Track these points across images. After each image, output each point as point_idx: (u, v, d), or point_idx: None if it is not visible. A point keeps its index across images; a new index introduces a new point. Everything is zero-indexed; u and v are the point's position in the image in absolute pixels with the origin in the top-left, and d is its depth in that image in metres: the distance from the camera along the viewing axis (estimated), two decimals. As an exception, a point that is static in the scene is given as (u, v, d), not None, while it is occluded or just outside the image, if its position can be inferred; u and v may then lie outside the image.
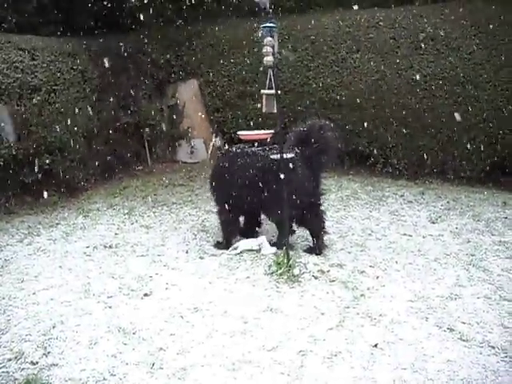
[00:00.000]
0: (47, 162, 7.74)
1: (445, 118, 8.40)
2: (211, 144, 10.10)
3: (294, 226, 5.89)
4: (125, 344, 4.01)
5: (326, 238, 5.88)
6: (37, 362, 3.77)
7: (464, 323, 4.21)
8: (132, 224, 7.03)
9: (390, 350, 3.83)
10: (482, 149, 8.23)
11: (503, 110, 8.11)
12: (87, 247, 6.18)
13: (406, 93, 8.63)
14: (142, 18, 9.50)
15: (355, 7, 8.76)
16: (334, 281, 4.99)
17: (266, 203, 5.66)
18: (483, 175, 8.36)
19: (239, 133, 6.55)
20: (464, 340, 3.95)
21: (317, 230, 5.77)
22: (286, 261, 5.12)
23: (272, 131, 6.29)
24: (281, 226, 5.59)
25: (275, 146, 5.80)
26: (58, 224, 7.05)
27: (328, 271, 5.17)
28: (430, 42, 8.56)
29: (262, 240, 5.86)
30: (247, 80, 9.74)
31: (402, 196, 7.96)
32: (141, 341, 4.05)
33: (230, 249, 5.84)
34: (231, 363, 3.71)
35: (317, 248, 5.72)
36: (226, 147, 7.48)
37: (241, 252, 5.74)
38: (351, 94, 8.99)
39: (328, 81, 9.18)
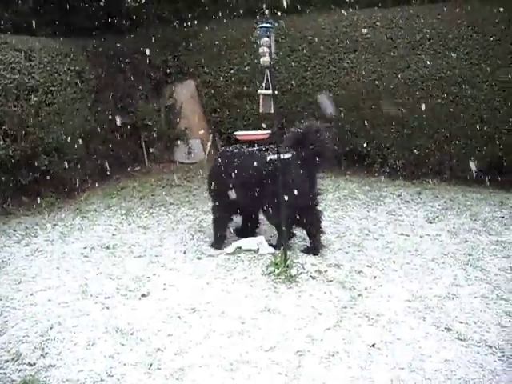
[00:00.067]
0: (44, 162, 7.74)
1: (442, 117, 8.42)
2: (208, 144, 10.13)
3: (294, 229, 5.89)
4: (122, 345, 4.01)
5: (323, 238, 5.87)
6: (34, 364, 3.77)
7: (461, 323, 4.21)
8: (129, 225, 7.03)
9: (388, 350, 3.84)
10: (479, 148, 8.25)
11: (500, 110, 8.12)
12: (85, 248, 6.18)
13: (403, 93, 8.63)
14: (138, 18, 9.51)
15: (353, 7, 8.79)
16: (331, 281, 4.99)
17: (263, 204, 5.68)
18: (480, 175, 8.36)
19: (236, 133, 6.57)
20: (461, 339, 3.95)
21: (313, 230, 5.77)
22: (283, 261, 5.11)
23: (269, 132, 6.29)
24: (279, 228, 5.59)
25: (271, 146, 5.81)
26: (55, 225, 7.05)
27: (325, 271, 5.17)
28: (427, 42, 8.57)
29: (261, 240, 5.87)
30: (244, 80, 9.75)
31: (399, 196, 7.97)
32: (138, 341, 4.05)
33: (229, 248, 5.83)
34: (229, 363, 3.71)
35: (314, 248, 5.72)
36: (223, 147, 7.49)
37: (238, 252, 5.74)
38: (348, 94, 9.01)
39: (325, 81, 9.19)
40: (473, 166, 8.06)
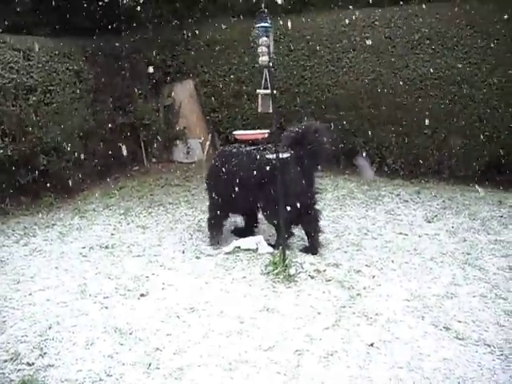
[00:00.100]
0: (43, 162, 7.73)
1: (440, 117, 8.42)
2: (207, 144, 10.12)
3: (292, 228, 5.90)
4: (121, 344, 4.01)
5: (322, 237, 5.88)
6: (33, 363, 3.77)
7: (460, 322, 4.21)
8: (128, 224, 7.03)
9: (386, 349, 3.84)
10: (478, 148, 8.26)
11: (498, 109, 8.13)
12: (83, 248, 6.18)
13: (402, 92, 8.63)
14: (137, 18, 9.50)
15: (351, 7, 8.79)
16: (330, 280, 5.00)
17: (262, 203, 5.70)
18: (479, 174, 8.37)
19: (235, 132, 6.56)
20: (460, 338, 3.96)
21: (312, 229, 5.78)
22: (282, 260, 5.12)
23: (268, 131, 6.29)
24: (278, 227, 5.60)
25: (269, 145, 5.83)
26: (53, 225, 7.05)
27: (324, 271, 5.17)
28: (426, 42, 8.57)
29: (260, 239, 5.87)
30: (243, 80, 9.75)
31: (397, 195, 7.97)
32: (137, 341, 4.05)
33: (228, 247, 5.83)
34: (228, 363, 3.71)
35: (312, 247, 5.73)
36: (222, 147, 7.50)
37: (237, 251, 5.74)
38: (347, 94, 9.01)
39: (324, 80, 9.20)
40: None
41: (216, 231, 6.15)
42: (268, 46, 5.11)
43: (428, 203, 7.56)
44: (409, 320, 4.27)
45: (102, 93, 9.36)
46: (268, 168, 5.53)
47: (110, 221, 7.17)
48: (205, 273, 5.30)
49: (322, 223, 5.87)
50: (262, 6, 5.23)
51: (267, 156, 5.57)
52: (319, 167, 5.87)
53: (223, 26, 9.97)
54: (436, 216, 6.98)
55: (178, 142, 10.42)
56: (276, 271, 5.07)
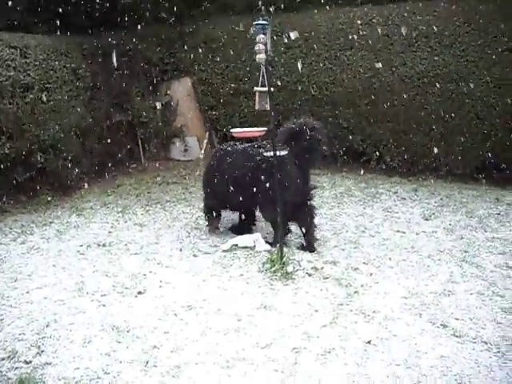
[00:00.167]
0: (40, 160, 7.72)
1: (438, 114, 8.42)
2: (204, 142, 10.11)
3: (289, 225, 5.91)
4: (119, 342, 4.01)
5: (319, 235, 5.90)
6: (30, 361, 3.77)
7: (457, 319, 4.22)
8: (126, 222, 7.02)
9: (384, 347, 3.84)
10: (475, 145, 8.28)
11: (496, 107, 8.14)
12: (81, 246, 6.17)
13: (400, 90, 8.63)
14: (135, 15, 9.48)
15: (349, 5, 8.79)
16: (327, 278, 5.00)
17: (259, 200, 5.71)
18: (476, 172, 8.38)
19: (232, 130, 6.58)
20: (457, 336, 3.96)
21: (308, 225, 5.79)
22: (279, 258, 5.12)
23: (265, 129, 6.30)
24: (275, 225, 5.61)
25: (263, 143, 5.86)
26: (51, 222, 7.04)
27: (322, 268, 5.17)
28: (423, 39, 8.58)
29: (257, 237, 5.87)
30: (240, 78, 9.75)
31: (395, 193, 7.97)
32: (135, 339, 4.05)
33: (225, 245, 5.84)
34: (225, 361, 3.71)
35: (309, 243, 5.76)
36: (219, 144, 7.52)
37: (235, 249, 5.74)
38: (345, 92, 9.01)
39: (321, 78, 9.19)
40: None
41: (215, 226, 6.34)
42: (265, 44, 5.12)
43: (425, 201, 7.57)
44: (406, 317, 4.28)
45: (100, 90, 9.35)
46: (265, 165, 5.54)
47: (107, 219, 7.17)
48: (202, 270, 5.29)
49: (319, 221, 5.89)
50: (260, 3, 5.23)
51: (265, 154, 5.57)
52: (314, 164, 5.89)
53: (221, 24, 9.96)
54: (433, 214, 6.99)
55: (175, 139, 10.41)
56: (273, 269, 5.07)
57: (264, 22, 5.10)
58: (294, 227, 5.96)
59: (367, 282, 4.92)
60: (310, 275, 5.05)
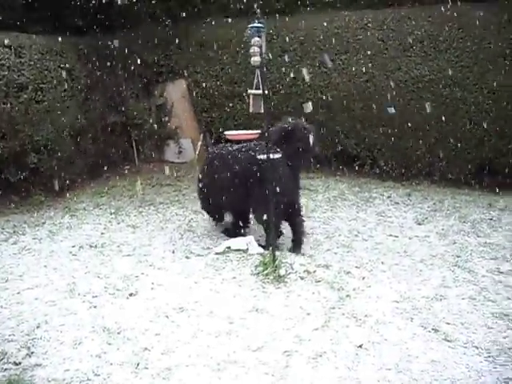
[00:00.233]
0: (33, 160, 7.68)
1: (432, 119, 8.45)
2: (199, 144, 10.09)
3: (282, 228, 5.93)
4: (109, 344, 3.99)
5: (312, 238, 5.92)
6: (20, 363, 3.74)
7: (449, 324, 4.23)
8: (118, 224, 7.00)
9: (375, 351, 3.84)
10: (469, 150, 8.30)
11: (489, 112, 8.17)
12: (73, 247, 6.15)
13: (394, 94, 8.64)
14: (130, 17, 9.47)
15: (344, 9, 8.80)
16: (319, 281, 4.99)
17: (251, 204, 5.72)
18: (469, 177, 8.41)
19: (226, 133, 6.58)
20: (448, 340, 3.97)
21: (298, 224, 5.87)
22: (272, 261, 5.11)
23: (259, 131, 6.31)
24: (267, 227, 5.61)
25: (253, 144, 5.89)
26: (43, 223, 7.01)
27: (314, 272, 5.17)
28: (418, 44, 8.60)
29: (250, 239, 5.87)
30: (235, 80, 9.73)
31: (388, 197, 7.99)
32: (125, 341, 4.03)
33: (218, 247, 5.83)
34: (216, 363, 3.70)
35: (298, 241, 5.85)
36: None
37: (227, 251, 5.73)
38: (339, 95, 9.01)
39: (316, 82, 9.19)
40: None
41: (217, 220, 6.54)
42: (260, 47, 5.12)
43: (419, 205, 7.59)
44: (398, 322, 4.28)
45: (94, 91, 9.32)
46: (257, 168, 5.56)
47: (100, 220, 7.14)
48: (194, 273, 5.28)
49: (312, 224, 5.91)
50: (255, 6, 5.24)
51: (258, 156, 5.57)
52: (305, 165, 5.94)
53: (216, 26, 9.96)
54: (426, 218, 7.01)
55: (169, 141, 10.39)
56: (266, 272, 5.06)
57: (259, 25, 5.10)
58: (286, 230, 5.96)
59: (359, 286, 4.92)
60: (302, 278, 5.05)
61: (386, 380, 3.49)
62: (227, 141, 6.51)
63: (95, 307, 4.59)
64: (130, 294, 4.83)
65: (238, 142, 6.22)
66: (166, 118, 10.38)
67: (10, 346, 3.96)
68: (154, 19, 10.14)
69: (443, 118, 8.36)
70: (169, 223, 6.96)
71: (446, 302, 4.61)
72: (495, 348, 3.84)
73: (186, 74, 10.26)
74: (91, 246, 6.14)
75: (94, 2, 9.03)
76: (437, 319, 4.30)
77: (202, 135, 10.23)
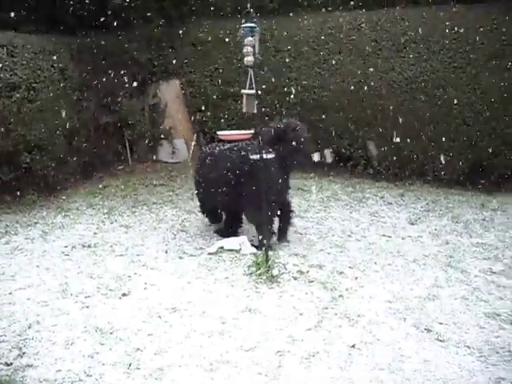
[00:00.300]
0: (26, 160, 7.63)
1: (425, 120, 8.47)
2: (192, 144, 10.08)
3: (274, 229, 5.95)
4: (102, 344, 3.97)
5: (305, 238, 5.91)
6: (11, 363, 3.72)
7: (441, 324, 4.24)
8: (111, 223, 6.97)
9: (368, 351, 3.85)
10: (462, 151, 8.33)
11: (482, 113, 8.21)
12: (66, 247, 6.11)
13: (388, 95, 8.66)
14: (124, 16, 9.44)
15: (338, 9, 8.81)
16: (312, 281, 5.00)
17: (244, 204, 5.73)
18: (462, 177, 8.43)
19: (219, 133, 6.57)
20: (441, 340, 3.98)
21: (286, 220, 5.97)
22: (265, 261, 5.11)
23: (252, 131, 6.31)
24: (259, 227, 5.62)
25: (245, 143, 5.91)
26: (36, 223, 6.97)
27: (307, 272, 5.18)
28: (412, 45, 8.63)
29: (243, 240, 5.87)
30: (229, 80, 9.71)
31: (382, 197, 8.00)
32: (118, 341, 4.02)
33: (211, 248, 5.83)
34: (209, 363, 3.69)
35: (285, 232, 5.97)
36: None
37: (220, 252, 5.73)
38: (333, 96, 9.01)
39: (310, 82, 9.19)
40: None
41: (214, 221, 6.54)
42: (253, 47, 5.12)
43: (412, 206, 7.61)
44: (390, 322, 4.29)
45: (87, 91, 9.28)
46: (249, 168, 5.57)
47: (93, 220, 7.11)
48: (187, 273, 5.27)
49: (305, 224, 5.92)
50: (249, 6, 5.23)
51: (251, 156, 5.57)
52: (298, 165, 5.96)
53: (210, 26, 9.95)
54: (419, 218, 7.03)
55: (163, 141, 10.36)
56: (259, 272, 5.07)
57: (252, 25, 5.11)
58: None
59: (352, 286, 4.93)
60: (295, 279, 5.06)
61: (378, 380, 3.49)
62: (220, 141, 6.50)
63: (88, 307, 4.58)
64: (123, 294, 4.82)
65: (231, 142, 6.20)
66: (160, 119, 10.36)
67: (2, 346, 3.93)
68: (147, 19, 10.10)
69: (436, 119, 8.38)
70: (162, 223, 6.94)
71: (439, 302, 4.63)
72: (487, 348, 3.86)
73: (179, 74, 10.24)
74: (84, 246, 6.11)
75: (87, 1, 8.99)
76: (429, 319, 4.31)
77: (195, 135, 10.21)
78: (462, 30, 8.34)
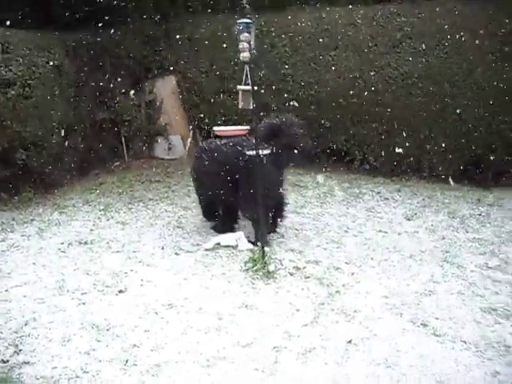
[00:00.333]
0: (22, 157, 7.62)
1: (421, 115, 8.47)
2: (188, 140, 10.06)
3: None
4: (98, 341, 3.98)
5: (302, 234, 5.91)
6: (7, 361, 3.73)
7: (437, 319, 4.25)
8: (108, 220, 6.96)
9: (364, 346, 3.86)
10: (458, 146, 8.34)
11: (478, 108, 8.20)
12: (62, 243, 6.11)
13: (384, 90, 8.66)
14: (120, 12, 9.41)
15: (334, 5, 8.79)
16: (309, 277, 5.01)
17: (239, 200, 5.73)
18: (458, 173, 8.44)
19: (215, 128, 6.57)
20: (437, 335, 3.99)
21: (280, 213, 6.01)
22: (261, 257, 5.11)
23: (248, 127, 6.31)
24: (256, 223, 5.62)
25: (239, 139, 5.92)
26: (32, 220, 6.96)
27: (304, 268, 5.19)
28: (407, 41, 8.61)
29: (240, 235, 5.88)
30: (225, 76, 9.69)
31: (378, 193, 8.00)
32: (115, 337, 4.02)
33: (208, 244, 5.83)
34: (205, 359, 3.70)
35: (275, 225, 6.01)
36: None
37: (217, 248, 5.74)
38: (329, 92, 8.99)
39: (306, 78, 9.18)
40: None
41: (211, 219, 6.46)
42: (249, 42, 5.11)
43: (408, 201, 7.61)
44: (387, 317, 4.30)
45: (83, 88, 9.25)
46: (244, 164, 5.57)
47: (89, 216, 7.10)
48: (184, 269, 5.27)
49: (301, 220, 5.93)
50: (244, 1, 5.22)
51: (247, 152, 5.56)
52: (293, 162, 5.97)
53: (206, 22, 9.92)
54: (416, 214, 7.03)
55: (159, 138, 10.34)
56: (255, 268, 5.07)
57: (248, 21, 5.09)
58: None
59: (349, 282, 4.94)
60: (291, 274, 5.07)
61: (375, 375, 3.50)
62: (216, 137, 6.49)
63: (84, 304, 4.58)
64: (119, 291, 4.82)
65: (227, 138, 6.20)
66: (156, 115, 10.34)
67: (-2, 343, 3.94)
68: (143, 15, 10.06)
69: (432, 114, 8.38)
70: (158, 219, 6.93)
71: (435, 297, 4.64)
72: (483, 342, 3.87)
73: (175, 70, 10.21)
74: (80, 243, 6.11)
75: (83, -3, 8.97)
76: (426, 314, 4.32)
77: (191, 131, 10.19)
78: (457, 26, 8.33)
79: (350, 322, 4.22)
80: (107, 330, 4.13)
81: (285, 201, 6.09)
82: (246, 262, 5.26)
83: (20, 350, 3.85)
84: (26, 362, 3.70)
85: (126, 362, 3.69)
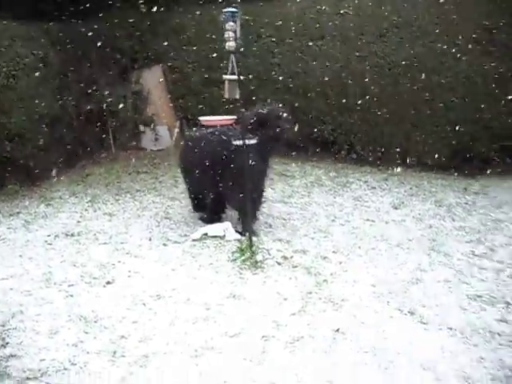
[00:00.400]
0: (7, 149, 7.55)
1: (408, 105, 8.49)
2: (175, 131, 10.03)
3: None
4: (86, 332, 3.96)
5: (289, 223, 5.92)
6: (-6, 354, 3.70)
7: (424, 306, 4.27)
8: (95, 212, 6.93)
9: (352, 335, 3.87)
10: (445, 135, 8.37)
11: (465, 98, 8.24)
12: (49, 236, 6.07)
13: (371, 80, 8.66)
14: (105, 3, 9.30)
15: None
16: (296, 267, 5.01)
17: (226, 189, 5.72)
18: (445, 161, 8.48)
19: (201, 118, 6.54)
20: (424, 323, 4.01)
21: (259, 201, 5.96)
22: (249, 247, 5.12)
23: (234, 117, 6.29)
24: (242, 213, 5.62)
25: (230, 128, 5.91)
26: (18, 213, 6.91)
27: (291, 257, 5.20)
28: (394, 30, 8.62)
29: (227, 226, 5.87)
30: (211, 66, 9.65)
31: (365, 182, 8.03)
32: (102, 329, 4.01)
33: (195, 234, 5.82)
34: (194, 350, 3.69)
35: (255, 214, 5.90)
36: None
37: (204, 238, 5.73)
38: (315, 81, 8.99)
39: (292, 67, 9.16)
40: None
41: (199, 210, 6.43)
42: (235, 31, 5.09)
43: (395, 190, 7.64)
44: (374, 305, 4.31)
45: (69, 78, 9.17)
46: (229, 153, 5.57)
47: (76, 208, 7.06)
48: (172, 260, 5.27)
49: (289, 210, 5.93)
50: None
51: (234, 142, 5.55)
52: (278, 150, 5.98)
53: (192, 12, 9.86)
54: (403, 203, 7.06)
55: (146, 128, 10.29)
56: (243, 258, 5.07)
57: (233, 10, 5.08)
58: (262, 216, 5.97)
59: (336, 271, 4.95)
60: (279, 264, 5.07)
61: (362, 363, 3.51)
62: (202, 126, 6.47)
63: (71, 296, 4.55)
64: (107, 283, 4.80)
65: (214, 127, 6.19)
66: (143, 105, 10.28)
67: (-16, 337, 3.92)
68: (128, 5, 9.97)
69: (419, 104, 8.41)
70: (146, 211, 6.91)
71: (422, 285, 4.66)
72: (469, 329, 3.89)
73: (162, 61, 10.16)
74: (67, 235, 6.07)
75: (67, -13, 8.85)
76: (413, 302, 4.34)
77: (178, 122, 10.15)
78: (444, 15, 8.34)
79: (338, 310, 4.24)
80: (95, 321, 4.11)
81: (264, 188, 6.07)
82: (233, 252, 5.26)
83: (7, 343, 3.82)
84: (12, 355, 3.67)
85: (114, 353, 3.67)
